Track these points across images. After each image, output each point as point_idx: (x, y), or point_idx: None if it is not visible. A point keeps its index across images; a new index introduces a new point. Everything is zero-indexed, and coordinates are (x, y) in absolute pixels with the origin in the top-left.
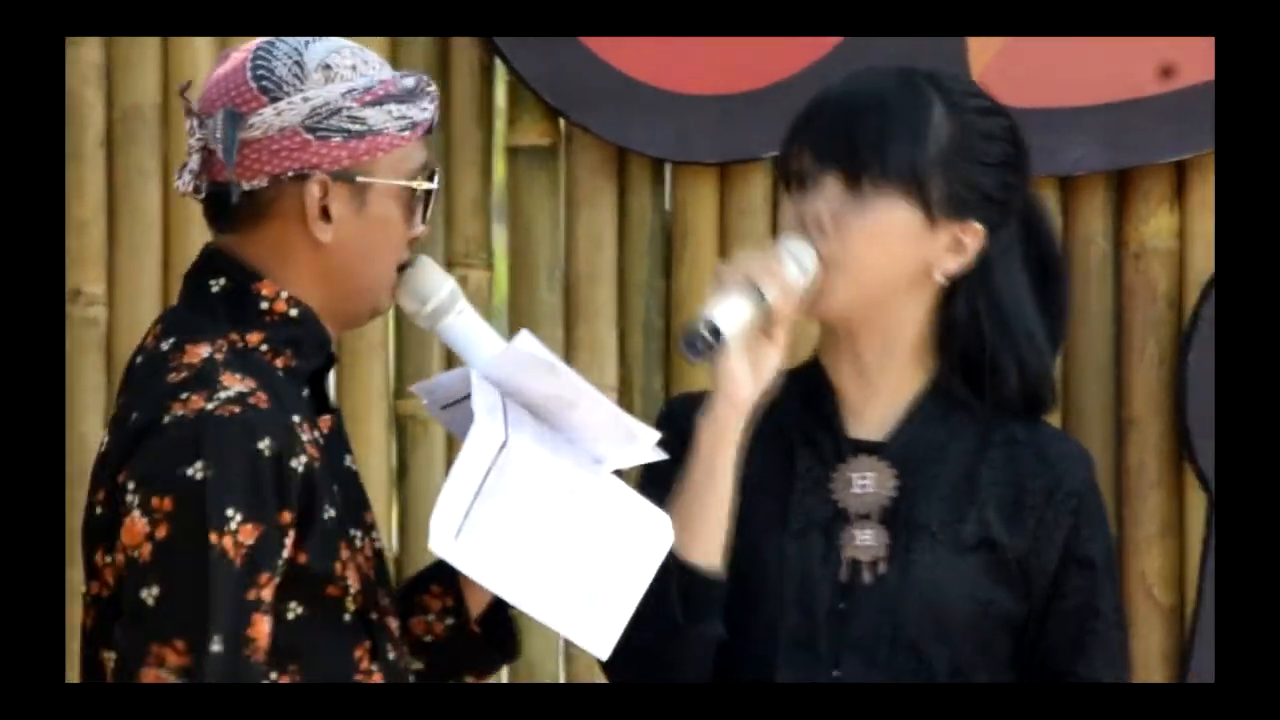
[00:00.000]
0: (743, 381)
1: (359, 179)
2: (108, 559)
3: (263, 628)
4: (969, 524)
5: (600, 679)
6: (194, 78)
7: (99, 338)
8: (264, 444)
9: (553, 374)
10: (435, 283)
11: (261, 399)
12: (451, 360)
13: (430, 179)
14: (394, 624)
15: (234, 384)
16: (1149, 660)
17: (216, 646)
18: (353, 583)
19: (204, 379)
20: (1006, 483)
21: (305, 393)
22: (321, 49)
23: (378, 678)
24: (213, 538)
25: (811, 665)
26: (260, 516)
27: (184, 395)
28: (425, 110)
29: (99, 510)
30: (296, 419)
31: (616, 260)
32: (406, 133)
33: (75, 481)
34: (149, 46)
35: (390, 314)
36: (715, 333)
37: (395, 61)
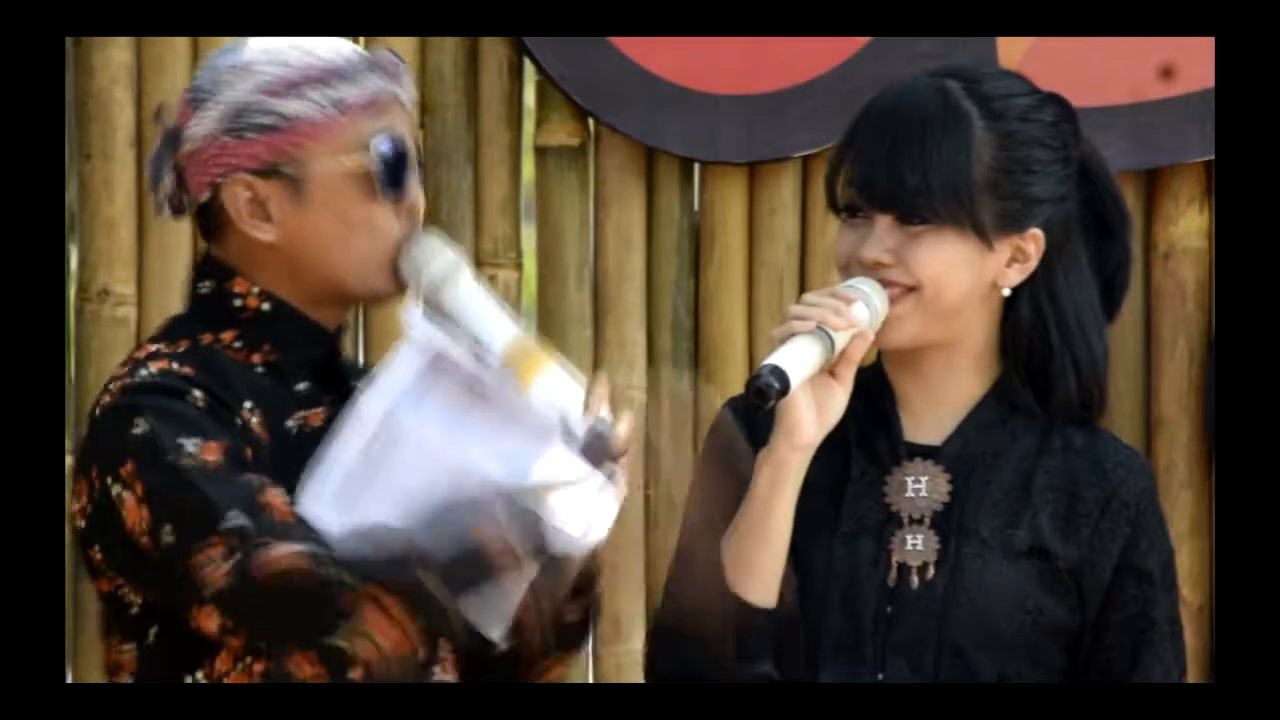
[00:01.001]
0: (807, 424)
1: (284, 170)
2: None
3: (276, 498)
4: (1021, 531)
5: (629, 679)
6: None
7: (128, 337)
8: (193, 396)
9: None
10: (427, 256)
11: (180, 372)
12: None
13: (368, 151)
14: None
15: (160, 366)
16: (1191, 661)
17: (238, 520)
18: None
19: (133, 368)
20: (1061, 490)
21: (303, 385)
22: (251, 48)
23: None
24: (174, 458)
25: (856, 669)
26: (217, 440)
27: (111, 385)
28: (365, 86)
29: (88, 509)
30: (248, 404)
31: (645, 260)
32: (333, 113)
33: None
34: (179, 47)
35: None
36: (783, 380)
37: (424, 61)
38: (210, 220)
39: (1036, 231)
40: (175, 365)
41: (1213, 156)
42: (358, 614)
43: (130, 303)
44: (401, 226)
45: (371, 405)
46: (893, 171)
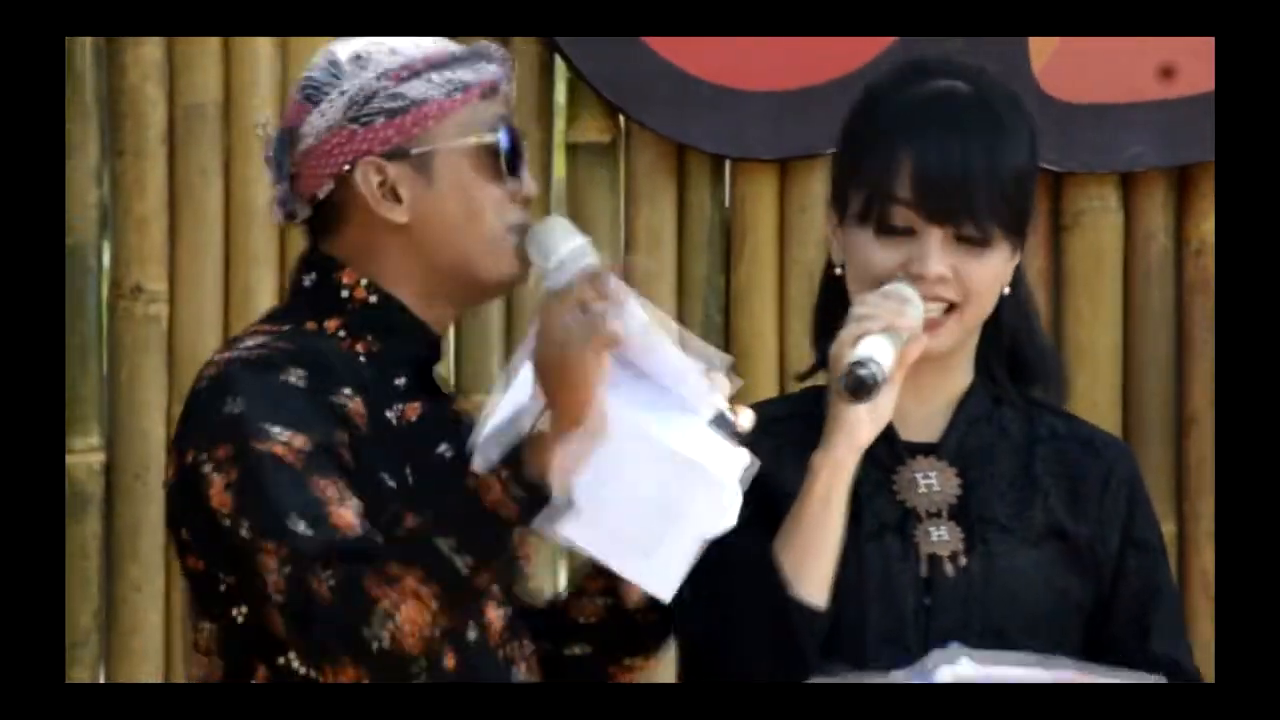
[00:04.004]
0: (866, 424)
1: (414, 151)
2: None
3: (347, 517)
4: (1036, 514)
5: (667, 678)
6: (254, 77)
7: (160, 334)
8: (291, 376)
9: (631, 313)
10: (559, 238)
11: (284, 347)
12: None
13: (495, 131)
14: (495, 612)
15: (259, 341)
16: (1206, 657)
17: (300, 528)
18: (418, 559)
19: (232, 344)
20: (1061, 474)
21: (400, 380)
22: (360, 42)
23: (449, 656)
24: (259, 446)
25: (901, 662)
26: (307, 430)
27: (211, 359)
28: (481, 71)
29: (176, 485)
30: (347, 390)
31: (676, 257)
32: (457, 95)
33: (140, 476)
34: (210, 45)
35: None
36: (881, 373)
37: None
38: (328, 215)
39: (1028, 234)
40: (276, 342)
41: None
42: (376, 599)
43: (162, 299)
44: (519, 213)
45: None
46: (966, 192)
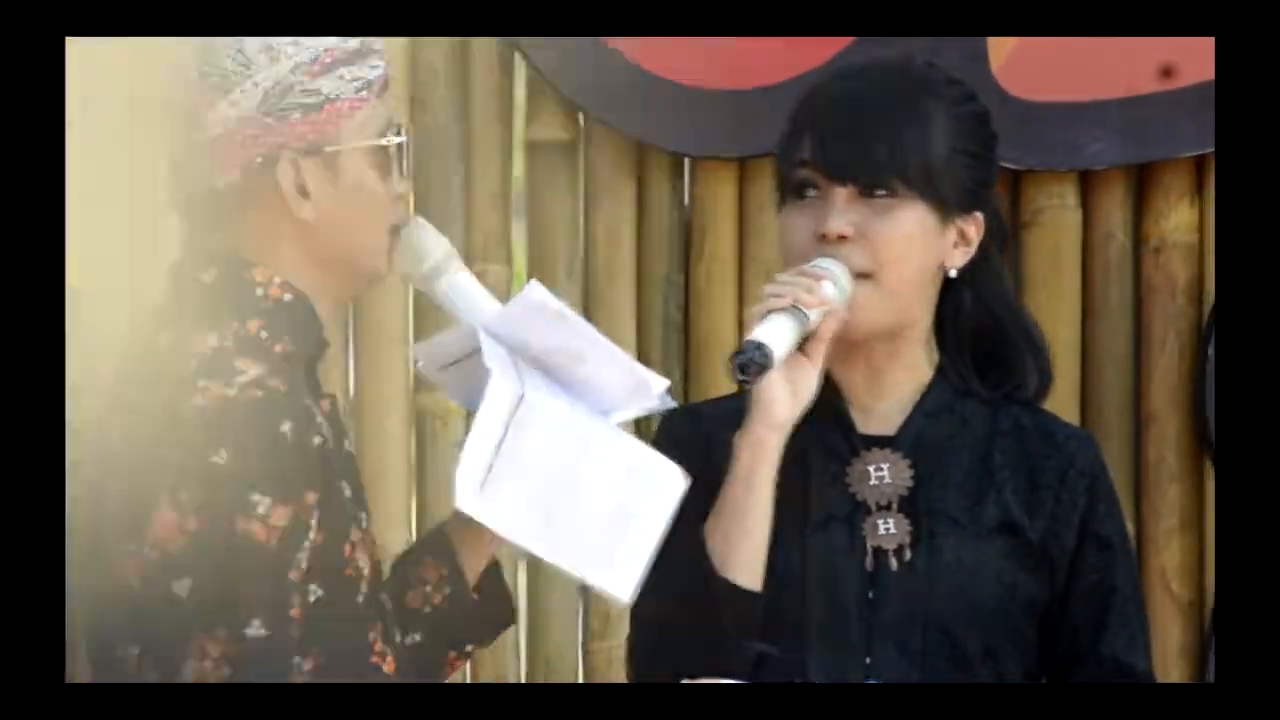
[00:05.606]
0: (782, 402)
1: (327, 149)
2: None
3: (298, 610)
4: (988, 507)
5: (618, 678)
6: None
7: None
8: (285, 427)
9: (563, 322)
10: (430, 243)
11: (279, 382)
12: None
13: (397, 134)
14: (390, 606)
15: (249, 368)
16: (1166, 656)
17: (257, 630)
18: (364, 565)
19: (218, 366)
20: (1019, 467)
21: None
22: (258, 38)
23: (390, 660)
24: (240, 523)
25: (843, 655)
26: (289, 499)
27: (201, 384)
28: (376, 68)
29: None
30: (308, 401)
31: (635, 255)
32: (364, 93)
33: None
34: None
35: (410, 307)
36: (766, 355)
37: (413, 57)
38: (229, 203)
39: (979, 215)
40: (262, 369)
41: (1204, 151)
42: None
43: None
44: (397, 213)
45: (499, 386)
46: (860, 140)
